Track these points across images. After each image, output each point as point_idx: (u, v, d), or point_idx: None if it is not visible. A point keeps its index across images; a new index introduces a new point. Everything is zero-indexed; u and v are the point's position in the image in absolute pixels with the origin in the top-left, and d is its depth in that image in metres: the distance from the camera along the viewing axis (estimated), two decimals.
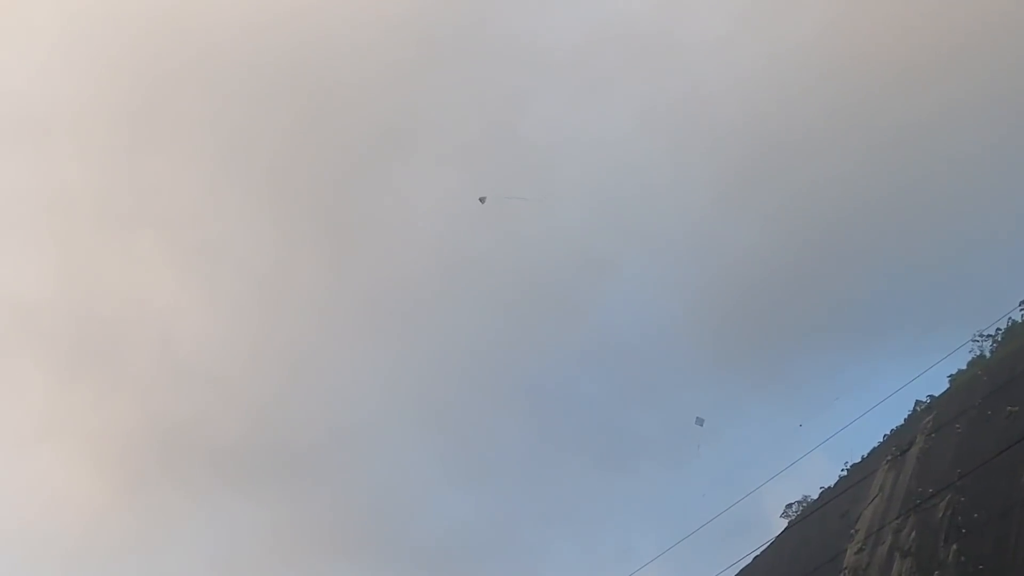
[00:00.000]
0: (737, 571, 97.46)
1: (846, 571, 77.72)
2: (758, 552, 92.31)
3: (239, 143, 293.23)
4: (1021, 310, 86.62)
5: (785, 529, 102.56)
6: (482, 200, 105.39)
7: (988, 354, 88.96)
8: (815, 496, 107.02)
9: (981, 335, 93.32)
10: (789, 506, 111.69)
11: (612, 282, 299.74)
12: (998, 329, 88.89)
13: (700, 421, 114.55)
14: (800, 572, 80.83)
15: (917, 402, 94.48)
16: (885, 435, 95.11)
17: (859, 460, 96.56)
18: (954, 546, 64.72)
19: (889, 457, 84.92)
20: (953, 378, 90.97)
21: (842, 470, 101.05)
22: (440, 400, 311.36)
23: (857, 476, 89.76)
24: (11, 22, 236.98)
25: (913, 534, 71.00)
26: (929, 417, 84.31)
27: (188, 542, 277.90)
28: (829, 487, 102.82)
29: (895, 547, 72.46)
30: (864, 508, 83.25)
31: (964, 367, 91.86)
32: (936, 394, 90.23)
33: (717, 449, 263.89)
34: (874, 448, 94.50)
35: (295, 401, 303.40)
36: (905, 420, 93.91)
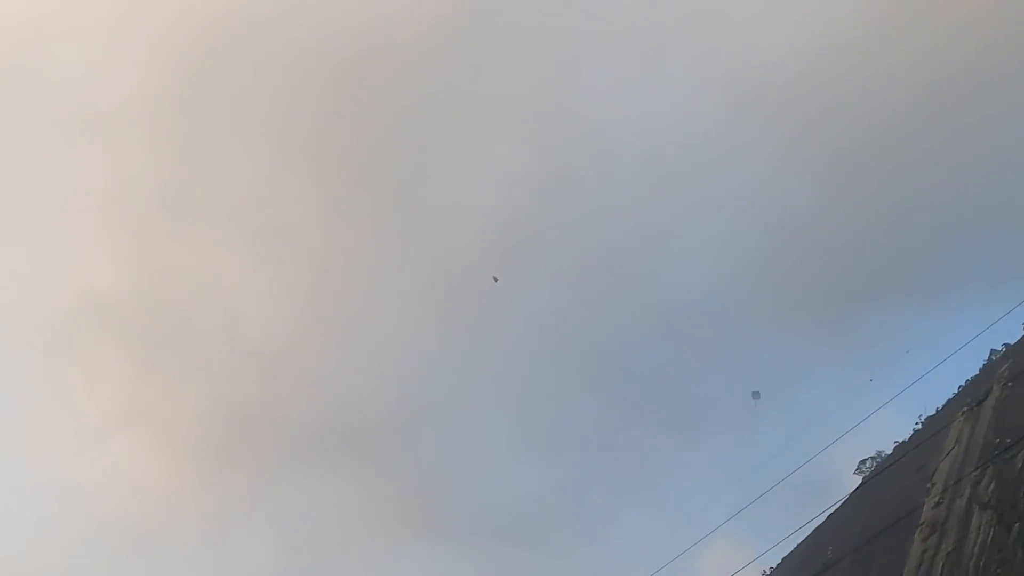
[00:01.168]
0: (811, 530, 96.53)
1: (923, 526, 76.22)
2: (832, 510, 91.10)
3: (299, 125, 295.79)
4: None
5: (859, 486, 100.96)
6: (495, 279, 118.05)
7: None
8: (889, 451, 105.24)
9: None
10: (863, 462, 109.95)
11: (672, 247, 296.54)
12: None
13: (756, 395, 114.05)
14: (876, 528, 79.52)
15: (992, 351, 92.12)
16: (960, 386, 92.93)
17: (934, 413, 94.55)
18: None
19: (964, 408, 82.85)
20: None
21: (916, 423, 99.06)
22: (503, 372, 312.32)
23: (932, 429, 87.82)
24: (70, 20, 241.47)
25: (992, 486, 69.21)
26: (1005, 366, 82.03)
27: (264, 524, 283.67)
28: (903, 441, 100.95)
29: (974, 500, 70.76)
30: (940, 461, 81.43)
31: None
32: (1012, 342, 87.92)
33: (786, 409, 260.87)
34: (949, 400, 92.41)
35: (362, 379, 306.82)
36: (980, 370, 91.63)
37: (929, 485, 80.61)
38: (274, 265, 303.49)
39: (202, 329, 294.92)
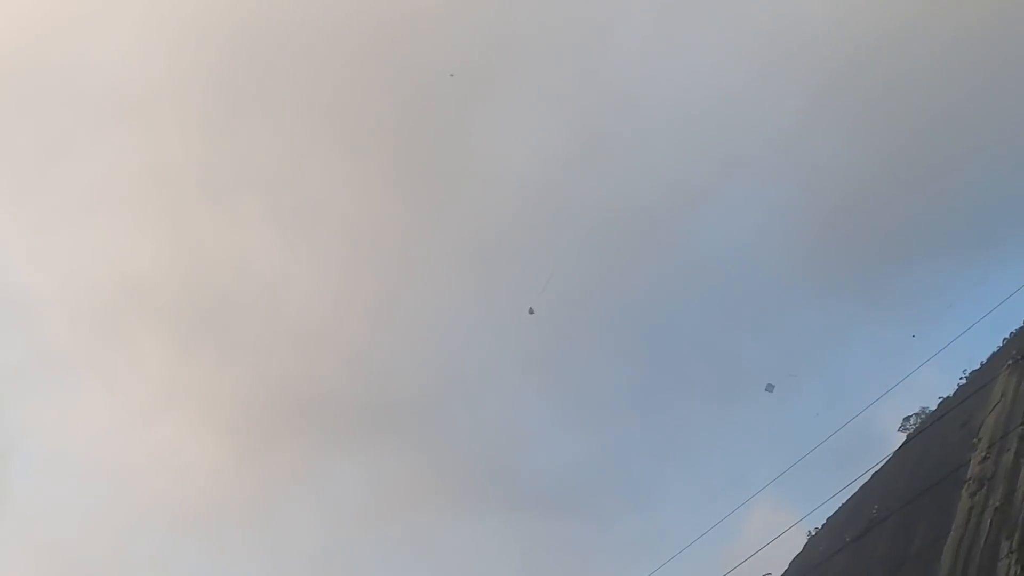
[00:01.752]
0: (856, 489, 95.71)
1: (970, 482, 75.12)
2: (877, 469, 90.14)
3: (329, 98, 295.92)
4: None
5: (903, 443, 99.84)
6: (531, 311, 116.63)
7: None
8: (933, 408, 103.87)
9: None
10: (907, 419, 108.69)
11: (707, 207, 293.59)
12: None
13: (771, 387, 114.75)
14: (921, 486, 78.56)
15: None
16: (1004, 338, 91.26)
17: (978, 367, 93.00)
18: None
19: (1010, 361, 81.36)
20: None
21: (960, 378, 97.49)
22: (540, 340, 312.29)
23: (977, 383, 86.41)
24: (97, 2, 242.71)
25: None
26: None
27: (309, 500, 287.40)
28: (948, 397, 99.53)
29: (1021, 453, 69.56)
30: (986, 416, 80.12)
31: None
32: None
33: (827, 370, 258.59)
34: (993, 353, 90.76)
35: (401, 352, 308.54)
36: None
37: (975, 440, 79.39)
38: (310, 241, 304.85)
39: (241, 307, 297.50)
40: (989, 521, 69.15)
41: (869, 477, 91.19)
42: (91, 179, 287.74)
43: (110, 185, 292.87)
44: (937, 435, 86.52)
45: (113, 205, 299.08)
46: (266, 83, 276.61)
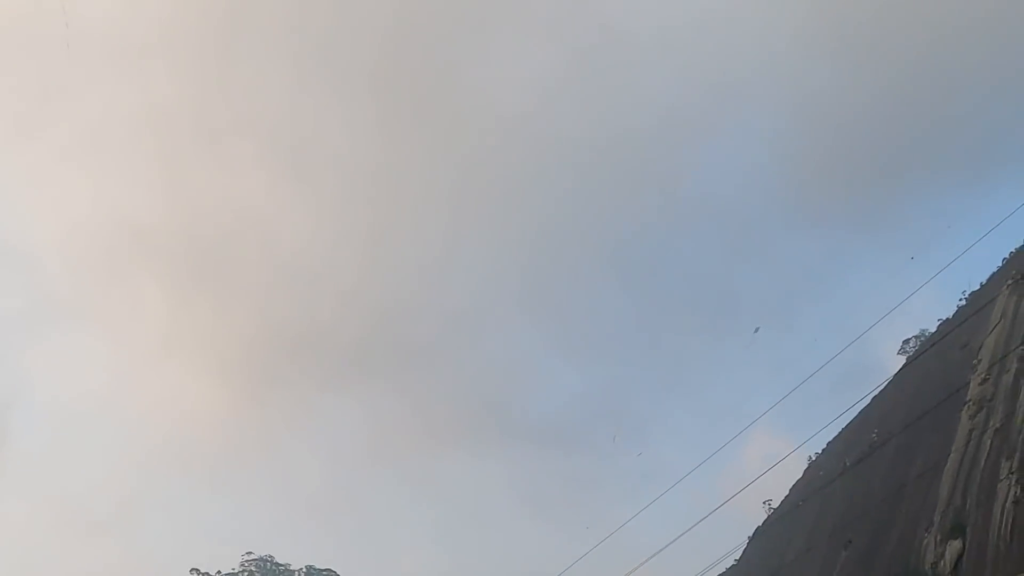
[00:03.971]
0: (855, 414, 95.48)
1: (970, 403, 74.63)
2: (876, 393, 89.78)
3: (320, 39, 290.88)
4: None
5: (904, 366, 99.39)
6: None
7: None
8: (933, 330, 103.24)
9: None
10: (906, 342, 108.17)
11: (701, 139, 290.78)
12: None
13: (758, 330, 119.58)
14: (922, 408, 78.06)
15: None
16: (1004, 259, 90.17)
17: (978, 287, 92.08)
18: None
19: (1010, 281, 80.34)
20: None
21: (960, 300, 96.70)
22: (542, 278, 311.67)
23: (976, 304, 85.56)
24: None
25: None
26: None
27: (310, 440, 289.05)
28: (947, 319, 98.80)
29: (1021, 374, 68.92)
30: (986, 337, 79.37)
31: None
32: None
33: (826, 297, 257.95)
34: (993, 273, 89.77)
35: (398, 291, 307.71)
36: None
37: (975, 361, 78.75)
38: (305, 182, 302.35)
39: (239, 250, 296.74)
40: (989, 443, 68.78)
41: (869, 402, 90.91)
42: (86, 124, 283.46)
43: (105, 129, 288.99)
44: (937, 357, 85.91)
45: (109, 149, 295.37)
46: (257, 25, 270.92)
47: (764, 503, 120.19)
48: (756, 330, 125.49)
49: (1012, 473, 63.27)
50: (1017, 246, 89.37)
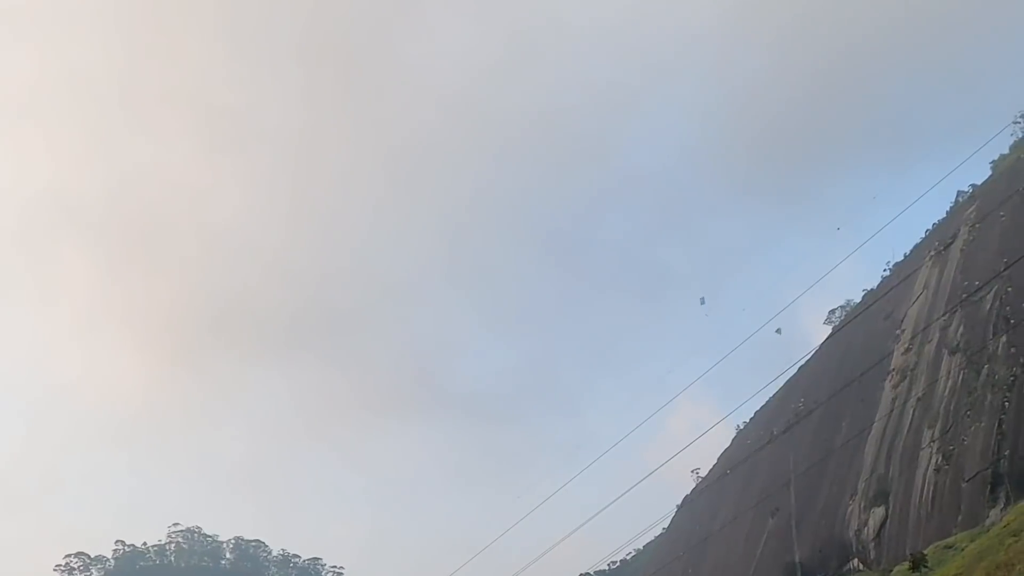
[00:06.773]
0: (782, 384, 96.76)
1: (893, 372, 76.07)
2: (802, 363, 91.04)
3: (251, 8, 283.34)
4: None
5: (828, 336, 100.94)
6: None
7: None
8: (858, 300, 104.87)
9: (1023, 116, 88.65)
10: (832, 312, 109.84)
11: (631, 118, 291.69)
12: None
13: (703, 301, 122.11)
14: (846, 378, 79.36)
15: (959, 192, 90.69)
16: (927, 230, 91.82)
17: (901, 259, 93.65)
18: (1003, 338, 62.37)
19: (932, 252, 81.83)
20: (995, 164, 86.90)
21: (884, 270, 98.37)
22: (473, 251, 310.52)
23: (900, 275, 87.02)
24: None
25: (961, 329, 68.68)
26: (972, 207, 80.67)
27: (238, 413, 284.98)
28: (872, 289, 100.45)
29: (943, 344, 70.34)
30: (909, 307, 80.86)
31: (1006, 152, 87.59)
32: (979, 183, 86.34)
33: (755, 271, 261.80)
34: (916, 244, 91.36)
35: (332, 264, 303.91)
36: (947, 212, 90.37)
37: (898, 332, 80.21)
38: (234, 152, 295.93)
39: (167, 220, 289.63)
40: (912, 411, 70.15)
41: (795, 371, 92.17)
42: (6, 92, 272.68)
43: (28, 97, 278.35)
44: (861, 328, 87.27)
45: (32, 117, 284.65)
46: None
47: (692, 472, 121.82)
48: (702, 301, 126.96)
49: (934, 441, 64.64)
50: (939, 219, 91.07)
